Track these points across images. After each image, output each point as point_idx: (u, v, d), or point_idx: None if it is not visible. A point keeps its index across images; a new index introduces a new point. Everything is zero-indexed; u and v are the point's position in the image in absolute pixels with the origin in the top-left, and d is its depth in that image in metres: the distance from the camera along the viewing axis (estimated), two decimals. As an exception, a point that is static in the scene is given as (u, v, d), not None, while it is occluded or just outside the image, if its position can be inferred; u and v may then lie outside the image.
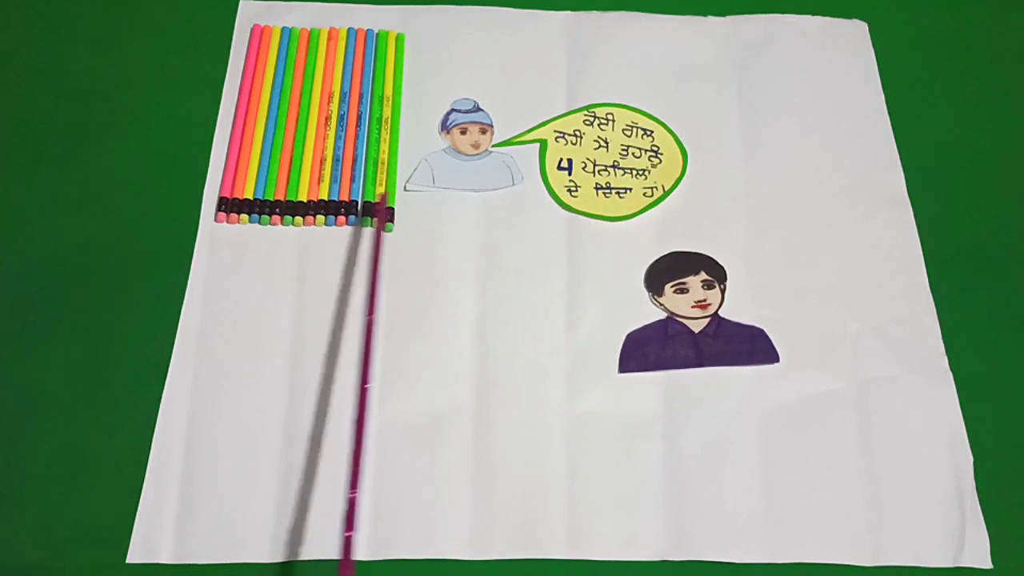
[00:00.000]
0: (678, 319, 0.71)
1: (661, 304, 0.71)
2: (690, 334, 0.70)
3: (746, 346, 0.70)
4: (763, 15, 0.85)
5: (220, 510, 0.63)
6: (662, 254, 0.73)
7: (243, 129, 0.76)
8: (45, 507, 0.63)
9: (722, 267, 0.73)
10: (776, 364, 0.69)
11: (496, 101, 0.79)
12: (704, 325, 0.70)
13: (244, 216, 0.73)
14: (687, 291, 0.72)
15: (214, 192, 0.74)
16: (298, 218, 0.73)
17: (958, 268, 0.74)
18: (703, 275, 0.72)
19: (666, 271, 0.72)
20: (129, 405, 0.66)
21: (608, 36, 0.83)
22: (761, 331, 0.70)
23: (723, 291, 0.72)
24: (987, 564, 0.64)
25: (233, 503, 0.63)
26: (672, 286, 0.72)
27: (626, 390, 0.68)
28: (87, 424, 0.65)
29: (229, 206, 0.73)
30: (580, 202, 0.75)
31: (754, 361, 0.69)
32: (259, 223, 0.73)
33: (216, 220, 0.73)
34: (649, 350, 0.69)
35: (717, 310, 0.71)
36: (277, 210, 0.73)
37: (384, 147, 0.76)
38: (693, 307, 0.71)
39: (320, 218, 0.73)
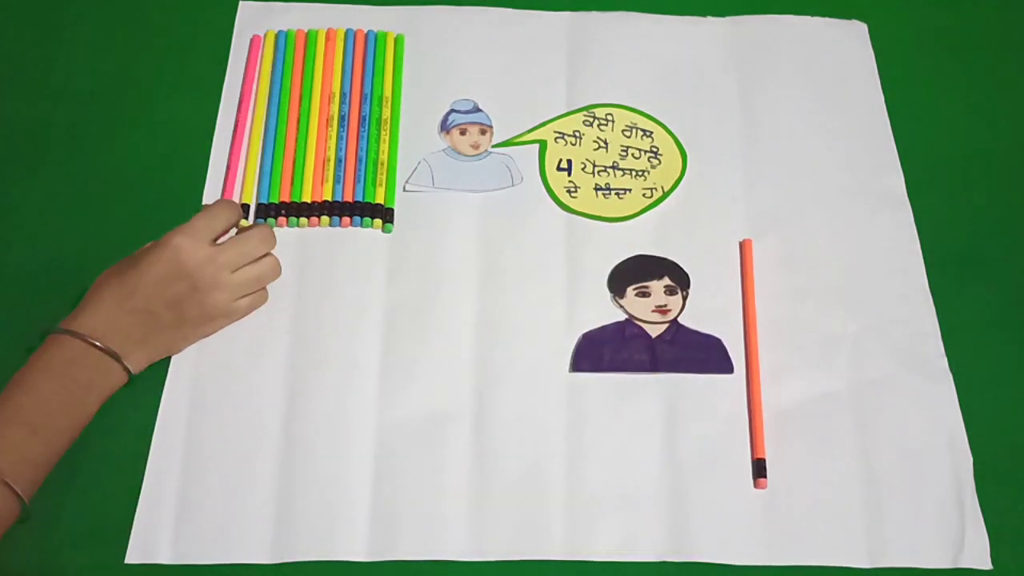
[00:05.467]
0: (636, 322, 0.70)
1: (622, 306, 0.71)
2: (647, 338, 0.70)
3: (701, 355, 0.69)
4: (763, 16, 0.85)
5: (218, 511, 0.63)
6: (632, 255, 0.73)
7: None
8: (45, 507, 0.62)
9: (686, 273, 0.72)
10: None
11: (496, 101, 0.79)
12: (662, 330, 0.70)
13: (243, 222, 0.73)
14: (649, 295, 0.71)
15: (214, 193, 0.74)
16: (303, 219, 0.73)
17: (958, 268, 0.74)
18: (666, 280, 0.72)
19: (630, 273, 0.72)
20: (129, 406, 0.66)
21: (608, 36, 0.83)
22: (718, 340, 0.70)
23: (684, 298, 0.72)
24: (987, 565, 0.64)
25: (231, 504, 0.63)
26: (634, 289, 0.72)
27: (626, 391, 0.68)
28: (87, 424, 0.65)
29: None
30: (579, 203, 0.75)
31: (708, 370, 0.69)
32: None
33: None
34: (604, 351, 0.69)
35: (677, 316, 0.71)
36: (283, 211, 0.73)
37: (384, 148, 0.76)
38: (653, 311, 0.71)
39: (325, 219, 0.73)
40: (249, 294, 0.68)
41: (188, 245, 0.64)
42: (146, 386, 0.66)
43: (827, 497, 0.65)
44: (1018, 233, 0.76)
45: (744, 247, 0.73)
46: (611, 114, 0.79)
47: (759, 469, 0.65)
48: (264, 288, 0.70)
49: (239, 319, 0.69)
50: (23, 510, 0.59)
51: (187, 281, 0.64)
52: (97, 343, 0.62)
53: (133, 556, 0.61)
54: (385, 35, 0.82)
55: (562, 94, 0.80)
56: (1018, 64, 0.84)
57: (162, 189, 0.74)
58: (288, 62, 0.80)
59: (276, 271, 0.70)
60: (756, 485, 0.65)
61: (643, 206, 0.75)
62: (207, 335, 0.68)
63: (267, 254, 0.69)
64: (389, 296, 0.71)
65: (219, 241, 0.68)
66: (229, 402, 0.67)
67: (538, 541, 0.63)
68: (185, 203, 0.73)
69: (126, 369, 0.64)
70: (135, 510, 0.62)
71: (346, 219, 0.73)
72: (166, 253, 0.64)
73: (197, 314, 0.66)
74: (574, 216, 0.75)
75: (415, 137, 0.78)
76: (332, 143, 0.76)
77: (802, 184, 0.77)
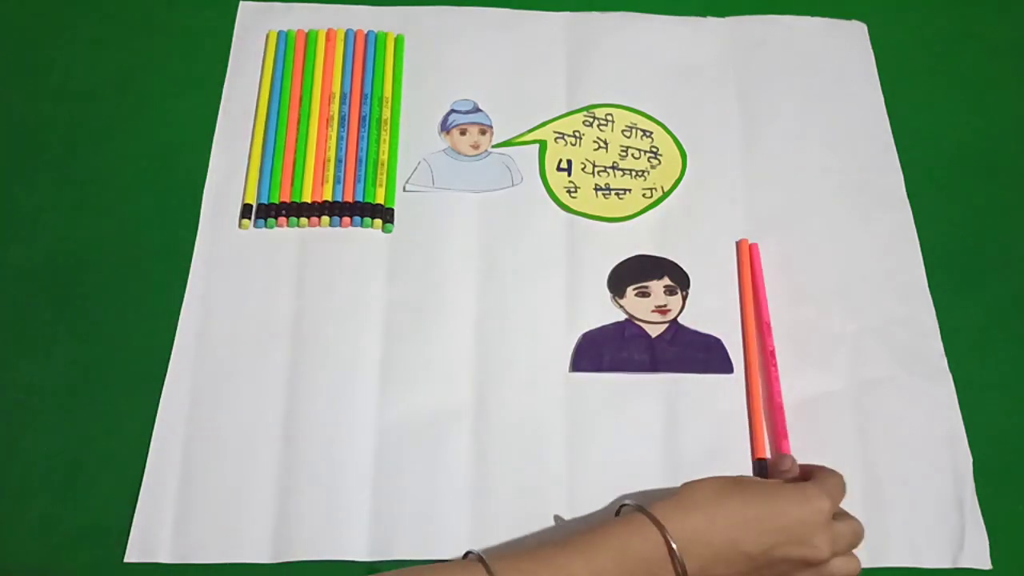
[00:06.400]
0: (636, 322, 0.70)
1: (621, 306, 0.71)
2: (646, 338, 0.70)
3: (701, 354, 0.69)
4: (763, 16, 0.85)
5: (218, 510, 0.63)
6: (631, 256, 0.73)
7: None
8: (45, 507, 0.63)
9: (686, 273, 0.72)
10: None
11: (496, 102, 0.79)
12: (662, 330, 0.70)
13: (246, 221, 0.73)
14: (648, 295, 0.71)
15: (214, 192, 0.74)
16: (303, 219, 0.73)
17: (958, 268, 0.74)
18: (666, 280, 0.72)
19: (629, 273, 0.72)
20: (128, 405, 0.66)
21: (608, 36, 0.83)
22: (718, 340, 0.70)
23: (684, 298, 0.72)
24: (987, 565, 0.64)
25: (231, 503, 0.63)
26: (634, 289, 0.72)
27: (626, 391, 0.68)
28: (87, 424, 0.65)
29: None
30: (579, 203, 0.75)
31: (708, 370, 0.69)
32: (265, 226, 0.73)
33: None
34: (604, 351, 0.69)
35: (676, 316, 0.71)
36: (284, 211, 0.73)
37: (384, 148, 0.76)
38: (653, 311, 0.71)
39: (325, 219, 0.73)
40: (845, 554, 0.57)
41: (826, 514, 0.56)
42: (146, 386, 0.66)
43: (827, 497, 0.65)
44: (1018, 233, 0.76)
45: (741, 247, 0.73)
46: (611, 114, 0.79)
47: (759, 469, 0.65)
48: (857, 560, 0.58)
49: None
50: None
51: (803, 551, 0.55)
52: (677, 554, 0.53)
53: (132, 555, 0.61)
54: (385, 35, 0.82)
55: (562, 94, 0.80)
56: (1018, 64, 0.84)
57: (162, 189, 0.74)
58: (288, 62, 0.80)
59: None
60: None
61: (643, 206, 0.75)
62: None
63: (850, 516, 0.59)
64: (389, 296, 0.71)
65: None
66: (229, 402, 0.67)
67: (539, 540, 0.63)
68: (185, 203, 0.74)
69: None
70: (135, 509, 0.62)
71: (346, 219, 0.73)
72: (807, 513, 0.55)
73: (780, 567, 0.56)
74: (574, 216, 0.75)
75: (415, 137, 0.78)
76: (332, 143, 0.76)
77: (802, 184, 0.77)
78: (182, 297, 0.70)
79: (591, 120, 0.79)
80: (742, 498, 0.56)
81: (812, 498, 0.56)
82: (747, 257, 0.73)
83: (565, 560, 0.53)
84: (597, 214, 0.75)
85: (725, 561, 0.55)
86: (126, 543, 0.61)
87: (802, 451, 0.66)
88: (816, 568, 0.56)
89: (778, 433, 0.66)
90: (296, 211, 0.73)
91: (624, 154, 0.78)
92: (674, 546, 0.53)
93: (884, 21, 0.85)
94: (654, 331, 0.70)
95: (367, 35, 0.81)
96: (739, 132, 0.79)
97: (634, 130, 0.79)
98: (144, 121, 0.77)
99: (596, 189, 0.76)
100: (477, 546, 0.62)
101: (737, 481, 0.57)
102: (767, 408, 0.67)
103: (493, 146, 0.78)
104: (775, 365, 0.68)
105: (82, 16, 0.82)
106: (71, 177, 0.75)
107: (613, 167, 0.77)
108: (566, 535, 0.55)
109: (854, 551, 0.58)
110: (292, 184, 0.75)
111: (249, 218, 0.73)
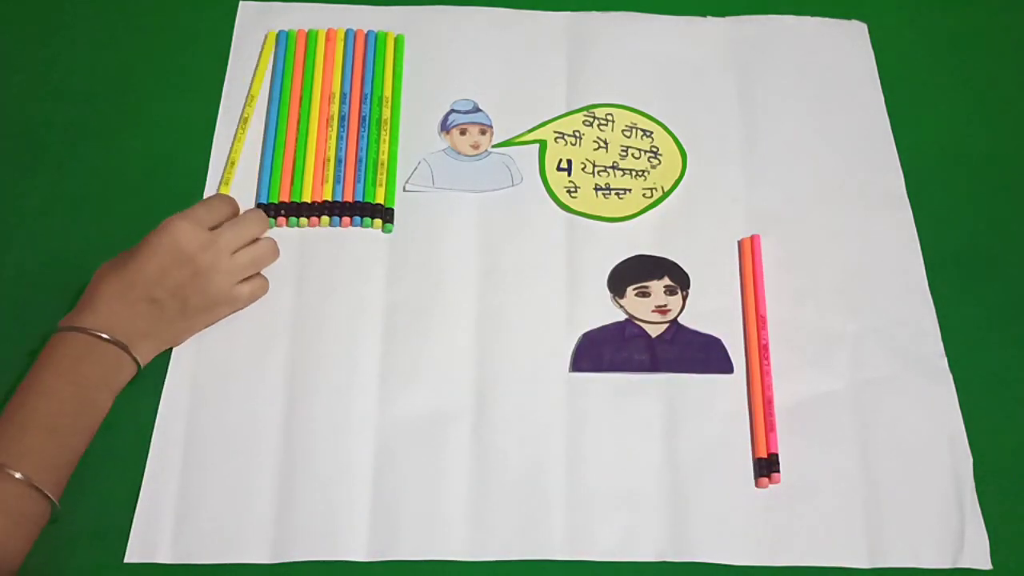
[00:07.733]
0: (636, 322, 0.70)
1: (622, 306, 0.71)
2: (647, 338, 0.70)
3: (701, 354, 0.69)
4: (762, 15, 0.85)
5: (218, 510, 0.63)
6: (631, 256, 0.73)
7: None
8: (44, 507, 0.63)
9: (686, 273, 0.72)
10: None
11: (496, 101, 0.79)
12: (662, 330, 0.70)
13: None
14: (649, 295, 0.71)
15: (213, 192, 0.74)
16: (303, 219, 0.73)
17: (957, 268, 0.74)
18: (666, 280, 0.72)
19: (630, 273, 0.72)
20: (129, 405, 0.66)
21: (608, 36, 0.83)
22: (718, 340, 0.70)
23: (684, 298, 0.72)
24: (987, 565, 0.64)
25: (231, 503, 0.63)
26: (634, 289, 0.72)
27: (626, 391, 0.68)
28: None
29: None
30: (579, 203, 0.75)
31: (708, 370, 0.69)
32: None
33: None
34: (604, 351, 0.69)
35: (677, 316, 0.71)
36: (283, 211, 0.73)
37: (384, 148, 0.76)
38: (653, 311, 0.71)
39: (325, 219, 0.73)
40: (249, 278, 0.69)
41: (187, 230, 0.65)
42: (146, 386, 0.66)
43: (827, 497, 0.65)
44: (1018, 233, 0.76)
45: (743, 245, 0.73)
46: (611, 114, 0.79)
47: (762, 467, 0.65)
48: (264, 278, 0.70)
49: (242, 308, 0.69)
50: (53, 511, 0.60)
51: (188, 266, 0.64)
52: (104, 336, 0.62)
53: (133, 555, 0.61)
54: (385, 35, 0.82)
55: (562, 94, 0.80)
56: (1018, 64, 0.84)
57: (162, 189, 0.74)
58: (288, 62, 0.80)
59: (274, 252, 0.70)
60: (758, 484, 0.65)
61: (643, 206, 0.75)
62: (211, 323, 0.68)
63: (264, 237, 0.70)
64: (389, 296, 0.71)
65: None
66: (229, 402, 0.67)
67: (538, 541, 0.63)
68: (185, 203, 0.73)
69: (135, 360, 0.64)
70: (135, 509, 0.63)
71: (346, 219, 0.73)
72: (165, 239, 0.64)
73: (200, 301, 0.66)
74: (574, 216, 0.75)
75: (415, 137, 0.78)
76: (332, 143, 0.76)
77: (802, 184, 0.77)
78: (182, 297, 0.70)
79: (591, 120, 0.79)
80: (120, 268, 0.64)
81: (162, 227, 0.64)
82: (749, 257, 0.72)
83: (25, 408, 0.60)
84: (597, 214, 0.75)
85: (146, 315, 0.64)
86: (126, 543, 0.62)
87: (802, 451, 0.66)
88: (219, 272, 0.65)
89: (767, 427, 0.66)
90: (296, 211, 0.73)
91: (624, 154, 0.78)
92: (104, 336, 0.62)
93: (884, 21, 0.85)
94: (654, 331, 0.70)
95: (367, 35, 0.82)
96: (739, 132, 0.79)
97: (634, 130, 0.79)
98: (144, 121, 0.77)
99: (596, 189, 0.76)
100: (478, 549, 0.62)
101: (120, 256, 0.65)
102: (758, 402, 0.67)
103: (493, 146, 0.78)
104: (768, 359, 0.68)
105: (82, 16, 0.82)
106: (71, 177, 0.75)
107: (613, 167, 0.77)
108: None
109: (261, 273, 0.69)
110: (292, 184, 0.75)
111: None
